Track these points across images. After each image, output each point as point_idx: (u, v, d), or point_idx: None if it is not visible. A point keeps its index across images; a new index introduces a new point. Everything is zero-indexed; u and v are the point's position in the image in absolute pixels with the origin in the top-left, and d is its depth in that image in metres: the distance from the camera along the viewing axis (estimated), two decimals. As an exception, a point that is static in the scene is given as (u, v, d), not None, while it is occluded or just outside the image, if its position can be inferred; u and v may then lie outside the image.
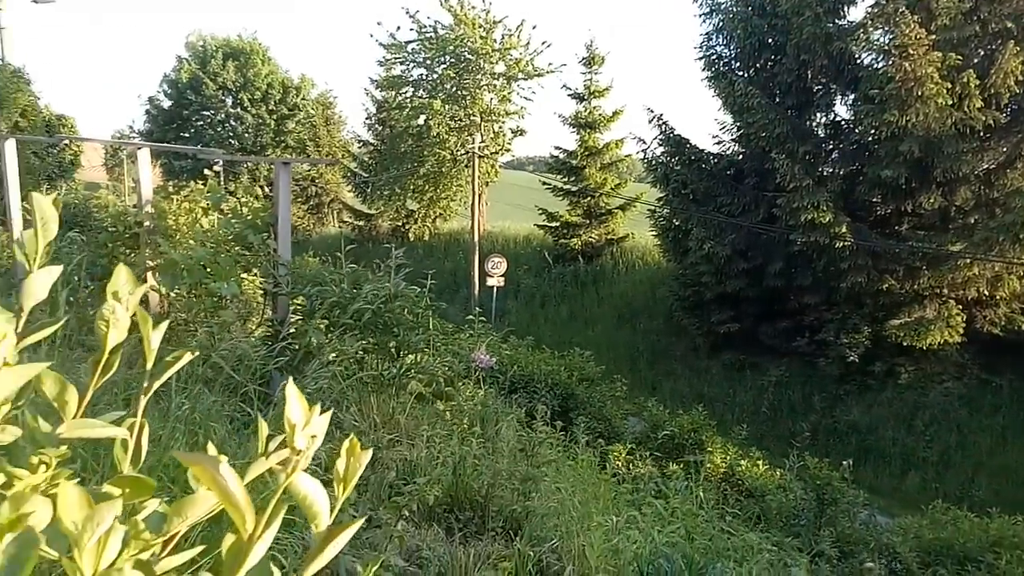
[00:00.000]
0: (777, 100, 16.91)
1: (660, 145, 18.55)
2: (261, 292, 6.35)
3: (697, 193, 17.75)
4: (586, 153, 24.14)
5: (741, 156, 18.14)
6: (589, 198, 24.14)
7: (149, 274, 5.51)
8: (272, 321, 5.58)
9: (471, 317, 9.63)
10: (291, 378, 0.82)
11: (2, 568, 0.62)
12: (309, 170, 34.13)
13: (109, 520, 0.68)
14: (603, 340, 19.14)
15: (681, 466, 7.28)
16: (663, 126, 18.36)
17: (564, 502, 4.04)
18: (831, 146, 17.20)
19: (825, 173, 16.19)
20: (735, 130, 17.85)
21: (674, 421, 9.96)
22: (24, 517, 0.67)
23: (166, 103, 37.23)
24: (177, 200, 6.72)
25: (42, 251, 0.83)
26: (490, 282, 21.68)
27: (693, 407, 11.30)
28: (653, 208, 19.75)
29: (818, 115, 17.38)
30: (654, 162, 18.67)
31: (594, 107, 24.24)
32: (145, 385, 0.85)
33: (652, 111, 18.41)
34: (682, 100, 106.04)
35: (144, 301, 5.30)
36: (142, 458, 0.85)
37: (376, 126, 31.30)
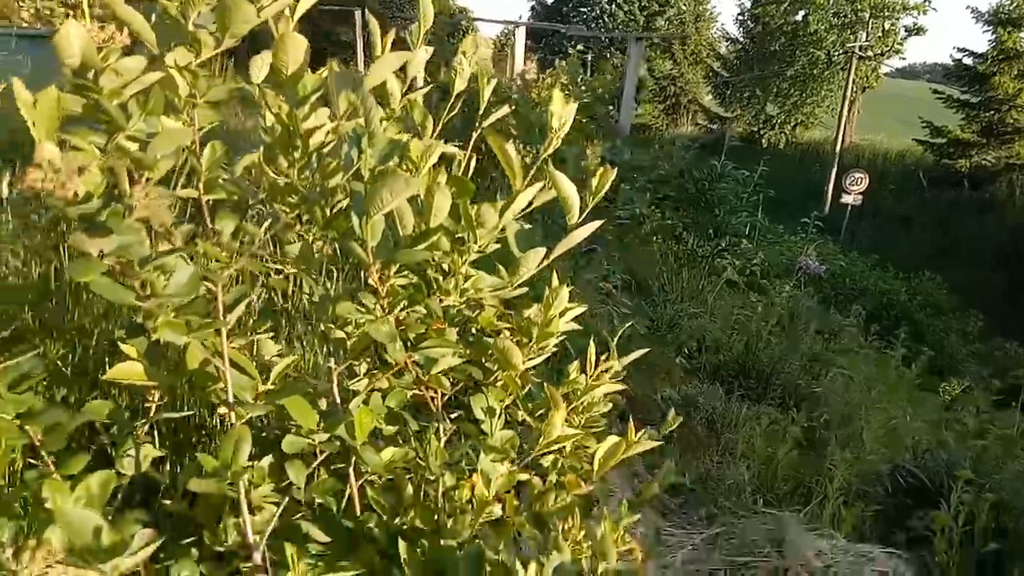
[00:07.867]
0: None
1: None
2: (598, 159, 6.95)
3: None
4: (1000, 57, 20.00)
5: None
6: (992, 112, 20.19)
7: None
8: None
9: (806, 220, 9.17)
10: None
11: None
12: (671, 69, 33.96)
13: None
14: (968, 280, 16.41)
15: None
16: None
17: (851, 388, 3.97)
18: None
19: None
20: None
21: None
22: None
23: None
24: (542, 76, 7.60)
25: None
26: (845, 199, 19.68)
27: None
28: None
29: None
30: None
31: (1024, -1, 19.81)
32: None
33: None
34: None
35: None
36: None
37: (748, 23, 29.61)
